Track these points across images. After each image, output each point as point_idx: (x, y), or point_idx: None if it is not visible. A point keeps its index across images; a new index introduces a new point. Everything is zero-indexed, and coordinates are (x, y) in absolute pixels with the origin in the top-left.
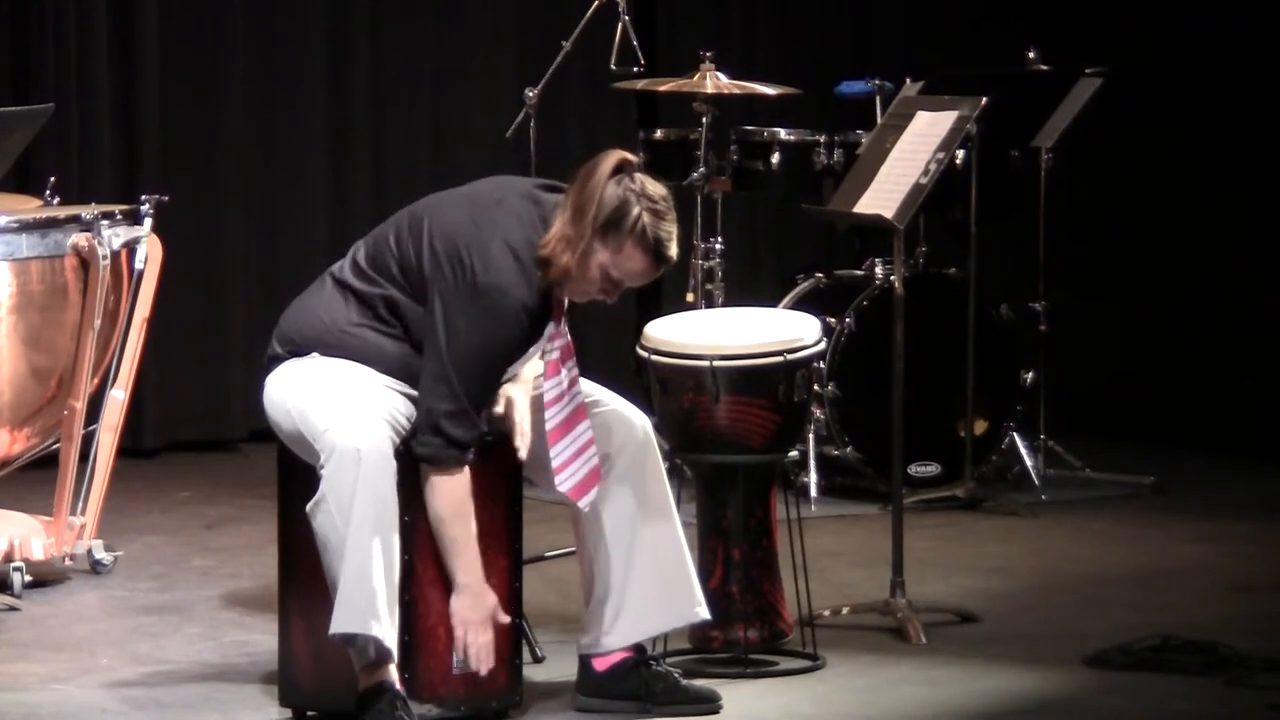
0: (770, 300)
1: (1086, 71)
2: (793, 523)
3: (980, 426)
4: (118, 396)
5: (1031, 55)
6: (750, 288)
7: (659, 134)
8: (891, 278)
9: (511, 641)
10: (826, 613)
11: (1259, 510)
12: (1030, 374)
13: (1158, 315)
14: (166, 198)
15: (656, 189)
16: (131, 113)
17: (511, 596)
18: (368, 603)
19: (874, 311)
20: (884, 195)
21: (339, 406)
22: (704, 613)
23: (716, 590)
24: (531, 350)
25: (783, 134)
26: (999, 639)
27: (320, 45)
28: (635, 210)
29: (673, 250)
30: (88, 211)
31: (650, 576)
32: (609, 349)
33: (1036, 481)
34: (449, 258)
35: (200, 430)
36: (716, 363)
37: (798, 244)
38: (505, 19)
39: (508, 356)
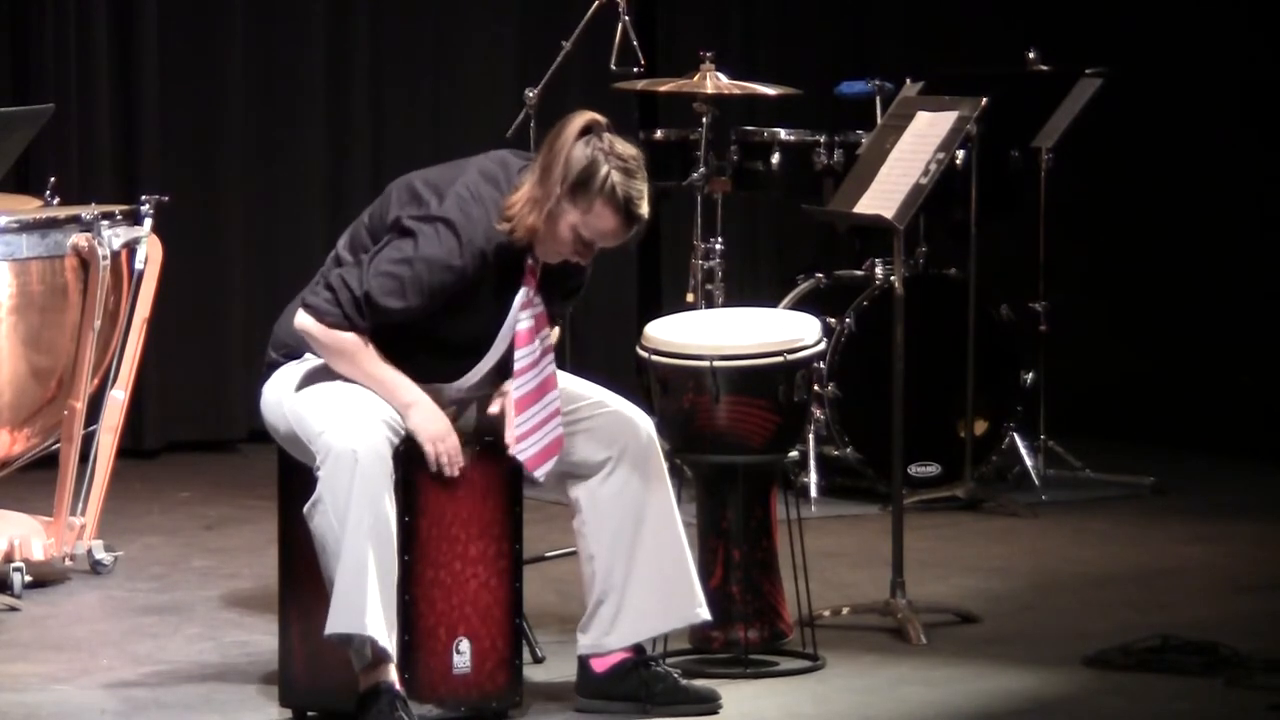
0: (770, 300)
1: (1086, 71)
2: (793, 523)
3: (980, 427)
4: (118, 397)
5: (1031, 55)
6: (750, 288)
7: (659, 134)
8: (891, 278)
9: (511, 641)
10: (826, 613)
11: (1259, 510)
12: (1030, 374)
13: (1158, 315)
14: (166, 198)
15: (626, 148)
16: (131, 113)
17: (511, 596)
18: (363, 603)
19: (874, 312)
20: (884, 195)
21: (335, 409)
22: (705, 613)
23: (716, 590)
24: (505, 326)
25: (783, 134)
26: (999, 639)
27: (320, 45)
28: (604, 169)
29: (644, 209)
30: (88, 211)
31: (651, 577)
32: (609, 349)
33: (1036, 482)
34: (410, 195)
35: (200, 431)
36: (716, 363)
37: (798, 244)
38: (505, 19)
39: (438, 284)
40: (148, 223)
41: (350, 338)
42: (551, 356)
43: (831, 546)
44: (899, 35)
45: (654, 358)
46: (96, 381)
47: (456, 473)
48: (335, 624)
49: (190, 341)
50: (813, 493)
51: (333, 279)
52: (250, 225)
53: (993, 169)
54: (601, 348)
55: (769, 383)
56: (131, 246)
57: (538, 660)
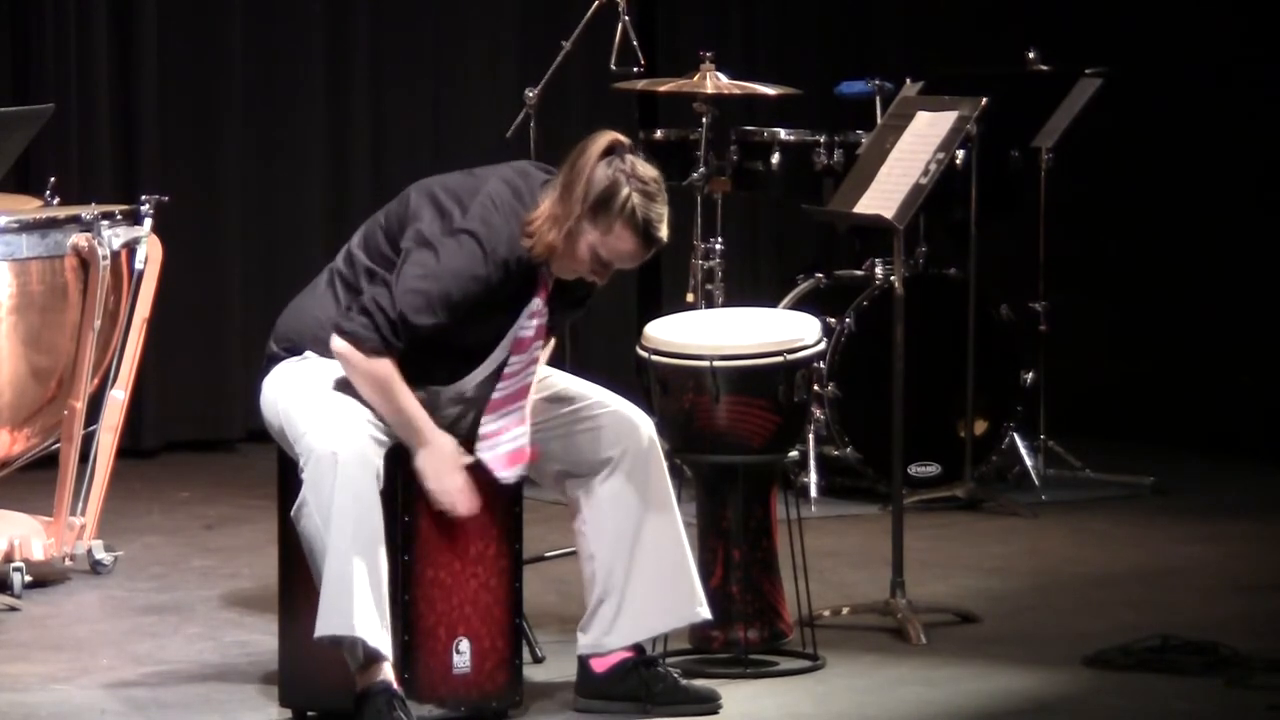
0: (770, 300)
1: (1086, 71)
2: (793, 523)
3: (980, 426)
4: (118, 397)
5: (1031, 55)
6: (750, 288)
7: (659, 134)
8: (891, 278)
9: (511, 641)
10: (826, 613)
11: (1259, 510)
12: (1030, 374)
13: (1157, 315)
14: (166, 198)
15: (647, 170)
16: (131, 113)
17: (511, 596)
18: (350, 605)
19: (874, 311)
20: (884, 195)
21: (320, 410)
22: (705, 613)
23: (716, 590)
24: (509, 332)
25: (783, 134)
26: (999, 639)
27: (320, 45)
28: (625, 191)
29: (663, 232)
30: (88, 211)
31: (651, 577)
32: (609, 349)
33: (1036, 482)
34: (432, 205)
35: (200, 430)
36: (716, 363)
37: (798, 244)
38: (505, 19)
39: (465, 296)
40: (148, 223)
41: (386, 366)
42: (535, 368)
43: (831, 546)
44: (899, 35)
45: (654, 358)
46: (96, 381)
47: (466, 512)
48: (324, 626)
49: (190, 341)
50: (813, 493)
51: (366, 303)
52: (250, 225)
53: (993, 169)
54: (601, 348)
55: (769, 383)
56: (131, 246)
57: (538, 660)
